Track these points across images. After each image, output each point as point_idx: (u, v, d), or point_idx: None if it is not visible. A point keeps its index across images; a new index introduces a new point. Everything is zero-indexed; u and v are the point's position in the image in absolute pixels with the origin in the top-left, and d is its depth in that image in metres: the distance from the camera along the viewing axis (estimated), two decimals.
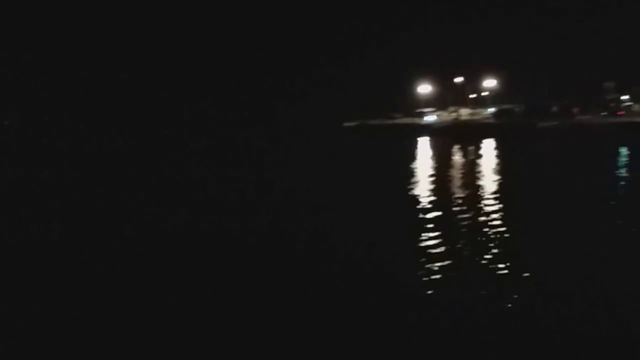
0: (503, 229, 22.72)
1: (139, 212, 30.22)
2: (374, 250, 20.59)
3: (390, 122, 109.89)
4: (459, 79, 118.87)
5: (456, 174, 42.87)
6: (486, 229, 22.96)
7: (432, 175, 41.52)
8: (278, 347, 13.05)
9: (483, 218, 25.33)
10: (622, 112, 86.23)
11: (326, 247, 21.43)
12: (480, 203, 29.24)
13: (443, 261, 18.53)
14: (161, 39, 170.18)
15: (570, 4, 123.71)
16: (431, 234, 22.20)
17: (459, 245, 20.64)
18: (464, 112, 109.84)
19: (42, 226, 27.03)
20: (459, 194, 33.14)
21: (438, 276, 17.10)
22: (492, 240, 21.28)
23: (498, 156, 55.66)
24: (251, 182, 41.46)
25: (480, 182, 37.21)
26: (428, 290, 16.12)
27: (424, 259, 18.92)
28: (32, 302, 16.53)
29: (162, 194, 37.17)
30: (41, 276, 19.13)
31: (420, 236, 22.21)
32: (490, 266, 18.03)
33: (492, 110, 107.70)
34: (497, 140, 70.42)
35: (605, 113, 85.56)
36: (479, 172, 42.62)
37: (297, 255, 20.55)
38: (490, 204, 28.65)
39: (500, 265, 17.98)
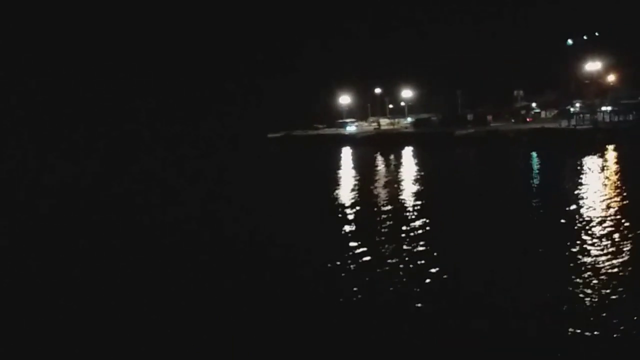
0: (420, 230, 24.15)
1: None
2: (304, 250, 21.57)
3: (313, 132, 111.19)
4: (377, 90, 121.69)
5: (379, 180, 44.23)
6: (407, 229, 24.53)
7: (356, 183, 42.69)
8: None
9: (405, 218, 26.92)
10: (531, 119, 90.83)
11: (260, 245, 22.63)
12: (401, 205, 30.78)
13: (365, 259, 19.84)
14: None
15: (482, 15, 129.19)
16: (354, 239, 22.99)
17: (381, 247, 21.72)
18: (384, 122, 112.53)
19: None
20: (383, 197, 34.48)
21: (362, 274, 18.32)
22: (410, 239, 22.54)
23: (418, 163, 57.65)
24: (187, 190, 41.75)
25: (401, 187, 38.68)
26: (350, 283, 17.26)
27: (347, 255, 20.25)
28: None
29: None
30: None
31: (343, 236, 23.61)
32: (407, 263, 19.17)
33: (410, 119, 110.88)
34: (416, 148, 72.71)
35: (514, 120, 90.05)
36: (400, 177, 44.16)
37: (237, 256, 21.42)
38: (409, 205, 30.31)
39: (416, 262, 19.16)
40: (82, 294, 18.52)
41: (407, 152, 70.13)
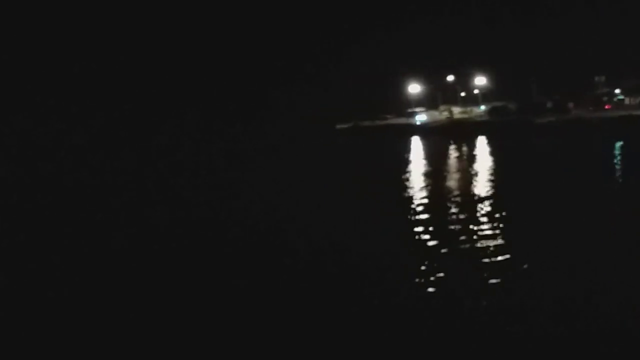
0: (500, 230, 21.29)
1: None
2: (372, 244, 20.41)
3: (382, 122, 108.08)
4: (450, 78, 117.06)
5: (458, 172, 41.15)
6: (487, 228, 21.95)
7: (433, 176, 39.74)
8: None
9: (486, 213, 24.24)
10: (610, 107, 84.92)
11: (331, 241, 21.19)
12: (484, 199, 28.05)
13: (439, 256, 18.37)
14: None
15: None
16: (426, 234, 21.51)
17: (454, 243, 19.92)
18: (456, 111, 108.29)
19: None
20: (465, 190, 31.64)
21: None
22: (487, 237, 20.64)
23: (497, 154, 53.88)
24: (255, 184, 40.21)
25: (482, 180, 35.67)
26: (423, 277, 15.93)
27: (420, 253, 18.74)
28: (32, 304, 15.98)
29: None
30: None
31: (417, 233, 21.89)
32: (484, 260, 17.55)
33: (483, 108, 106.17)
34: (493, 138, 68.62)
35: (591, 108, 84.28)
36: (480, 170, 40.94)
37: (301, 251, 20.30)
38: (493, 198, 27.53)
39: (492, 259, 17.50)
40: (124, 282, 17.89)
41: (484, 142, 66.31)
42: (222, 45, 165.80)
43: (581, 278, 15.91)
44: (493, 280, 16.19)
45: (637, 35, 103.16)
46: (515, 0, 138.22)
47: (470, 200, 29.04)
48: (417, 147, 71.42)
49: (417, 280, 16.49)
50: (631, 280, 15.40)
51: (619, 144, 51.33)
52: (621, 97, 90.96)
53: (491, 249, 19.48)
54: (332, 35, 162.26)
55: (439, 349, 12.32)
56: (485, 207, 26.85)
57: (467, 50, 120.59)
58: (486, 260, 18.24)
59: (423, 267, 17.76)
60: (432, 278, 16.66)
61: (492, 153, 55.66)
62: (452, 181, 37.79)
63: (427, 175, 41.23)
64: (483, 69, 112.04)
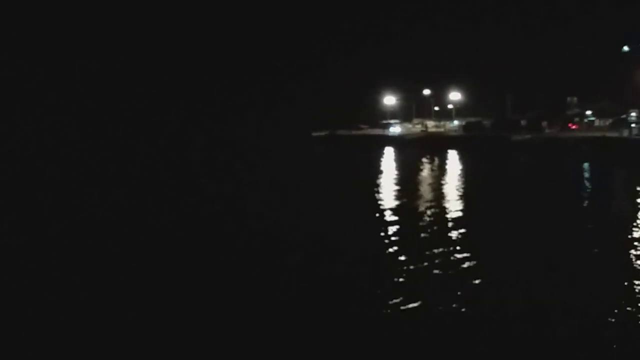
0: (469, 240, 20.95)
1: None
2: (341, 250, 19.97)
3: (357, 132, 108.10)
4: (426, 92, 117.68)
5: (430, 184, 40.69)
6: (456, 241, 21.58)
7: (406, 186, 39.27)
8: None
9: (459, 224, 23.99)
10: (576, 127, 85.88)
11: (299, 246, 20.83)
12: (462, 211, 27.76)
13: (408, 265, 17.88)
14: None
15: (533, 19, 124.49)
16: (395, 244, 20.86)
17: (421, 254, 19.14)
18: (429, 124, 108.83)
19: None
20: (436, 204, 31.12)
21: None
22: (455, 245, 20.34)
23: (473, 169, 53.57)
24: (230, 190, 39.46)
25: (459, 193, 35.28)
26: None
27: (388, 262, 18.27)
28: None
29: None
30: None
31: (385, 241, 21.40)
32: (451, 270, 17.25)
33: (456, 122, 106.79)
34: (469, 153, 68.72)
35: (559, 127, 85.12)
36: (455, 183, 40.67)
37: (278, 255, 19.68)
38: (469, 211, 27.23)
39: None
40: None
41: (459, 156, 66.35)
42: (202, 60, 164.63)
43: (546, 282, 16.03)
44: (461, 288, 15.83)
45: (608, 59, 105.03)
46: (493, 19, 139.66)
47: (443, 211, 28.61)
48: (390, 157, 71.13)
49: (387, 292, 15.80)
50: (594, 288, 15.42)
51: (588, 164, 51.85)
52: (592, 118, 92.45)
53: (457, 256, 19.09)
54: (312, 48, 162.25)
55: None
56: (456, 218, 26.43)
57: (443, 66, 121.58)
58: (453, 267, 17.93)
59: (392, 277, 17.16)
60: (402, 287, 16.15)
61: (467, 167, 55.44)
62: (425, 192, 37.33)
63: (399, 185, 40.71)
64: (458, 85, 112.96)
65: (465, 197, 34.00)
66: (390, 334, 12.89)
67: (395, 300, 14.65)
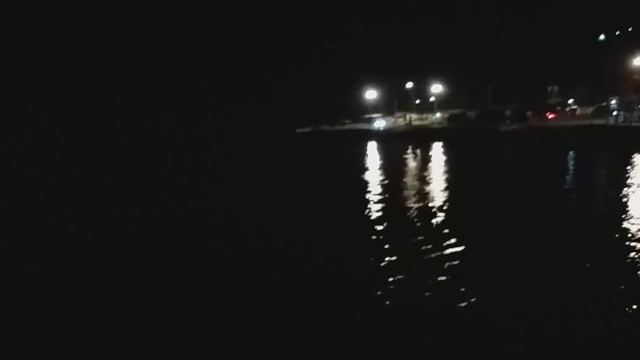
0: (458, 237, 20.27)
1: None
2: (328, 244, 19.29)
3: (341, 127, 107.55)
4: (409, 85, 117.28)
5: (420, 178, 40.01)
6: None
7: (396, 180, 38.59)
8: None
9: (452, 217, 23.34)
10: (554, 116, 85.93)
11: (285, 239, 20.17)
12: (458, 203, 27.19)
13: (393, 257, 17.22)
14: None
15: (510, 10, 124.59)
16: (383, 241, 19.66)
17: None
18: (413, 117, 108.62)
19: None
20: (426, 197, 30.47)
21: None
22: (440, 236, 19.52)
23: (463, 161, 53.06)
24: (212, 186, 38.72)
25: (449, 185, 34.67)
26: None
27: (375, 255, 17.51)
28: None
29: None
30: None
31: (372, 236, 20.39)
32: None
33: (438, 115, 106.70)
34: (456, 145, 68.32)
35: (538, 116, 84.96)
36: (446, 176, 40.05)
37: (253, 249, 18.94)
38: (465, 203, 26.66)
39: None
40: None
41: (447, 149, 65.68)
42: (181, 57, 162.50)
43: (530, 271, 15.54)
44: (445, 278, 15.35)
45: (585, 48, 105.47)
46: (471, 11, 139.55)
47: (430, 204, 28.00)
48: (378, 152, 70.36)
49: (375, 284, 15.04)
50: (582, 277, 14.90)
51: (579, 152, 51.70)
52: (574, 106, 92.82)
53: (445, 246, 18.50)
54: (292, 43, 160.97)
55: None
56: (448, 210, 25.82)
57: (423, 59, 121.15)
58: (440, 256, 17.47)
59: (380, 268, 16.57)
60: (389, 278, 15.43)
61: (457, 160, 54.82)
62: (419, 186, 36.45)
63: (390, 179, 39.97)
64: (439, 77, 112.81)
65: (460, 190, 33.30)
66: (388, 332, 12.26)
67: (385, 297, 13.97)
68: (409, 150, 64.72)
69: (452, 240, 19.06)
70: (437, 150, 64.68)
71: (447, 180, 37.50)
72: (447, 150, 64.20)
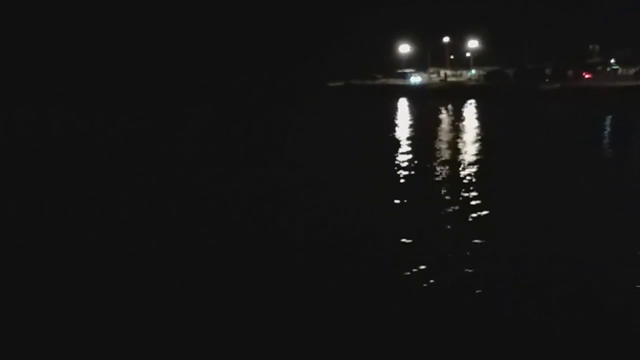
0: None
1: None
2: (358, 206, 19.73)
3: (374, 82, 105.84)
4: (446, 39, 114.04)
5: (464, 137, 39.34)
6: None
7: (441, 140, 38.04)
8: None
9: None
10: (590, 76, 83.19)
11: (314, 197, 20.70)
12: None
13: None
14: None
15: None
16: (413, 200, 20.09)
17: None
18: (447, 74, 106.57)
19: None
20: (472, 156, 30.11)
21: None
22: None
23: (505, 119, 51.87)
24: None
25: (495, 145, 34.29)
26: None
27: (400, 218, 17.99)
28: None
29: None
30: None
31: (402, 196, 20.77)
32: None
33: (474, 72, 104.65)
34: (498, 104, 66.89)
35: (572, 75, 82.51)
36: (490, 135, 39.45)
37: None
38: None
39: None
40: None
41: (489, 107, 64.26)
42: (221, 16, 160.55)
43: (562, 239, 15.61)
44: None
45: (631, 7, 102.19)
46: None
47: (473, 163, 27.68)
48: (417, 108, 69.08)
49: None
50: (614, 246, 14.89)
51: (614, 115, 50.28)
52: (615, 66, 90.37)
53: (475, 212, 18.63)
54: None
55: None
56: (485, 172, 25.69)
57: (461, 13, 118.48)
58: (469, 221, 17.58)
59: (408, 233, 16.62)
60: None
61: (496, 119, 53.64)
62: (473, 145, 36.04)
63: (433, 137, 39.48)
64: (475, 32, 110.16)
65: (512, 148, 32.90)
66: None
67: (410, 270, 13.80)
68: (449, 107, 63.61)
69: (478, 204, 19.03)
70: (476, 109, 63.47)
71: (487, 140, 37.07)
72: (487, 109, 62.91)
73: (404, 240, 16.02)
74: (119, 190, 24.53)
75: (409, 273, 13.61)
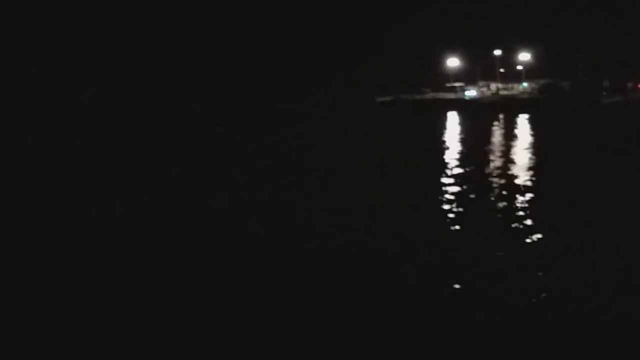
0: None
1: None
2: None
3: (421, 97, 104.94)
4: (497, 52, 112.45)
5: (530, 152, 38.50)
6: None
7: (508, 155, 37.45)
8: None
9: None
10: None
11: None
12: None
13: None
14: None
15: None
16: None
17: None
18: (498, 87, 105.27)
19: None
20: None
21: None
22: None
23: (572, 136, 50.30)
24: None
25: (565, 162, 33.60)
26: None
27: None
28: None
29: None
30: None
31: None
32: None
33: (525, 85, 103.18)
34: (559, 119, 65.08)
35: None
36: (559, 152, 38.51)
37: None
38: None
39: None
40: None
41: (545, 122, 62.46)
42: (258, 19, 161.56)
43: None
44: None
45: None
46: None
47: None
48: (478, 122, 67.58)
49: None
50: None
51: None
52: None
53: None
54: (374, 9, 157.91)
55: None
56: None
57: (510, 25, 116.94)
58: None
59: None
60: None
61: (567, 134, 51.85)
62: (525, 162, 35.27)
63: (505, 153, 38.90)
64: (527, 45, 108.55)
65: (583, 169, 32.06)
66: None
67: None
68: (509, 122, 62.51)
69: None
70: (533, 123, 62.13)
71: (547, 156, 36.41)
72: (546, 124, 61.34)
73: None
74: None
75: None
